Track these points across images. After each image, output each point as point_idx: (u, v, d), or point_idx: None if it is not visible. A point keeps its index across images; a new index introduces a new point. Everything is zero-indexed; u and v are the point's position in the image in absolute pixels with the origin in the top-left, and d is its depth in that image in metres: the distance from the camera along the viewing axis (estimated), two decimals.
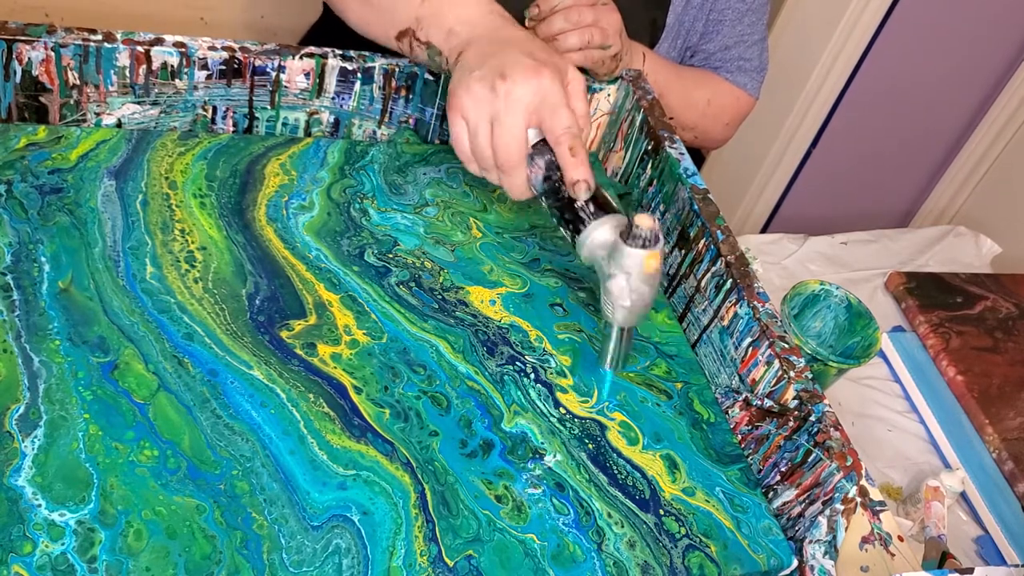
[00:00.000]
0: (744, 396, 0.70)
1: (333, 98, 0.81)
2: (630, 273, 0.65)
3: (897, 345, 1.08)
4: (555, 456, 0.64)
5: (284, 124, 0.82)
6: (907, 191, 1.87)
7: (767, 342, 0.69)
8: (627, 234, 0.65)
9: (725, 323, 0.73)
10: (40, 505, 0.53)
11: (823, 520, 0.63)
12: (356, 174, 0.80)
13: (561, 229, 0.70)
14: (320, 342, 0.66)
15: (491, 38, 0.71)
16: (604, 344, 0.70)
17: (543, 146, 0.69)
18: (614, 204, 0.69)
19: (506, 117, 0.67)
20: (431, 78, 0.82)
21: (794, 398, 0.67)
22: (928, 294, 1.15)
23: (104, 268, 0.66)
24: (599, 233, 0.67)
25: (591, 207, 0.67)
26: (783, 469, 0.67)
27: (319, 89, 0.80)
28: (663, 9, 1.03)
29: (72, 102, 0.75)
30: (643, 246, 0.64)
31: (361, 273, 0.72)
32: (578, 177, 0.67)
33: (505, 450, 0.63)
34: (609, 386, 0.70)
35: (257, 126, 0.81)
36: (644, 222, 0.64)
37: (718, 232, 0.75)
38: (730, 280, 0.73)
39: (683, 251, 0.79)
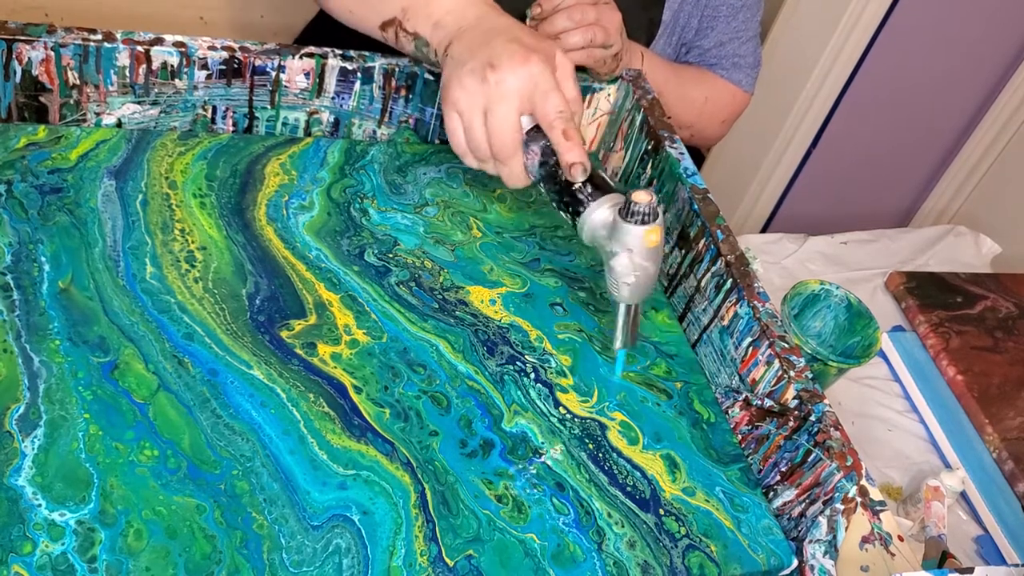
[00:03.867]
0: (744, 396, 0.70)
1: (333, 98, 0.81)
2: (632, 250, 0.65)
3: (897, 345, 1.08)
4: (555, 452, 0.64)
5: (284, 124, 0.82)
6: (907, 191, 1.87)
7: (767, 342, 0.69)
8: (626, 211, 0.65)
9: (725, 323, 0.73)
10: (40, 505, 0.53)
11: (823, 520, 0.63)
12: (356, 174, 0.80)
13: (561, 213, 0.70)
14: (320, 342, 0.66)
15: (478, 28, 0.72)
16: (614, 324, 0.70)
17: (537, 132, 0.70)
18: (612, 184, 0.69)
19: (498, 106, 0.68)
20: (431, 78, 0.82)
21: (794, 398, 0.67)
22: (928, 294, 1.15)
23: (104, 268, 0.66)
24: (598, 214, 0.67)
25: (589, 188, 0.68)
26: (783, 469, 0.67)
27: (319, 89, 0.80)
28: (659, 6, 1.03)
29: (72, 102, 0.75)
30: (643, 222, 0.65)
31: (361, 273, 0.72)
32: (573, 160, 0.68)
33: (505, 450, 0.63)
34: (621, 365, 0.70)
35: (257, 126, 0.81)
36: (641, 198, 0.64)
37: (718, 232, 0.75)
38: (730, 280, 0.73)
39: (683, 251, 0.79)
